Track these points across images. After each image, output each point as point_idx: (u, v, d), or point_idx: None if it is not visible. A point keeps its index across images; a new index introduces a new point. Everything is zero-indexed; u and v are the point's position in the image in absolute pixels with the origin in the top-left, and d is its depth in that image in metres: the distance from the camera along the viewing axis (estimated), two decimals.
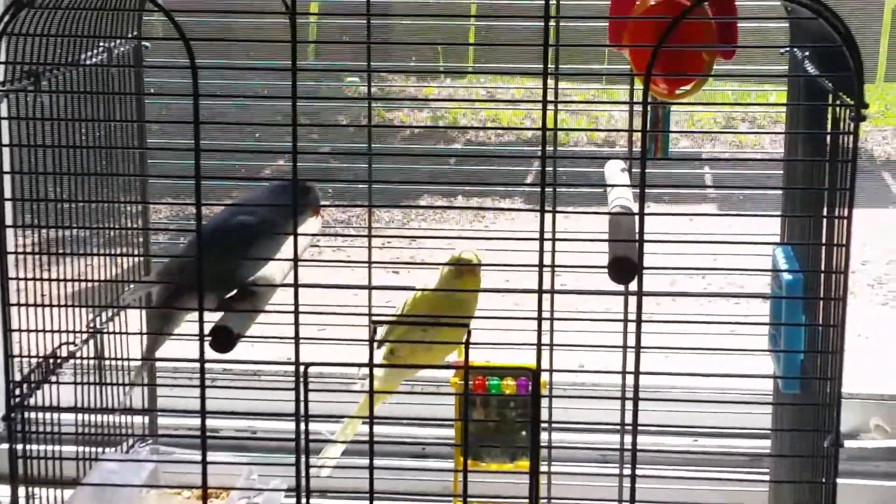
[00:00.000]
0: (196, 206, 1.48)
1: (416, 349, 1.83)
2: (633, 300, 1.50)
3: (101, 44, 1.82)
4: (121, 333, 1.92)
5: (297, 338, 1.49)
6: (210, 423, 1.53)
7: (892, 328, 2.42)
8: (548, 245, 1.46)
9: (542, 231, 1.45)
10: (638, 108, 1.47)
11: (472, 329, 1.51)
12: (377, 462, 1.52)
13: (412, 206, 4.21)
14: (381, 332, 1.84)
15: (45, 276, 1.67)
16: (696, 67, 1.63)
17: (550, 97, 1.50)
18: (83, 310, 1.80)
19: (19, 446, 1.60)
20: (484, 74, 4.81)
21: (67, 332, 1.73)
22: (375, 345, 1.85)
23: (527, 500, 1.52)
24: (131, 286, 1.79)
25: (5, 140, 1.57)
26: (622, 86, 2.07)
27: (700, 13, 1.57)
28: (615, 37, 1.69)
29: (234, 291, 1.67)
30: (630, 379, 1.50)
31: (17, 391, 1.61)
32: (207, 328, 1.49)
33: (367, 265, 1.94)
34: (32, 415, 1.63)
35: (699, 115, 5.01)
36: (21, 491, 1.62)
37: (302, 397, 1.49)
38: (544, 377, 1.67)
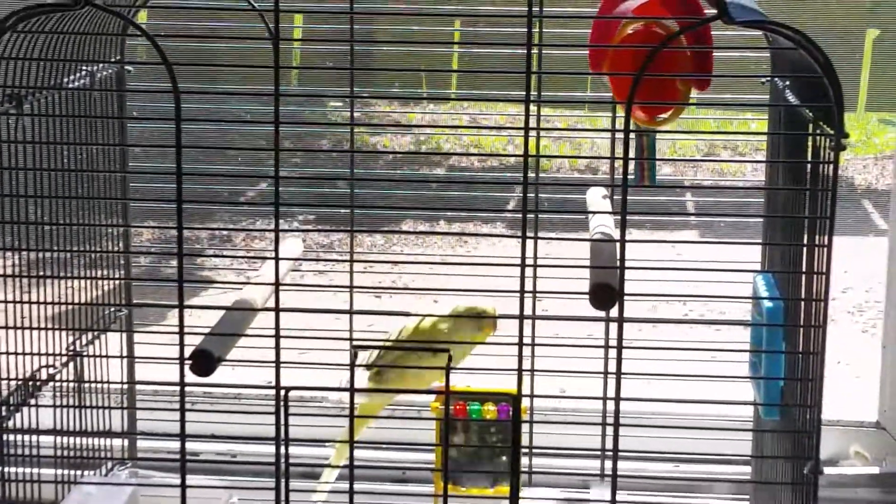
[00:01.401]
0: (178, 229, 1.48)
1: (405, 374, 1.82)
2: (613, 326, 1.50)
3: (84, 68, 1.82)
4: (101, 357, 1.92)
5: (277, 362, 1.49)
6: (190, 446, 1.52)
7: (872, 355, 2.43)
8: (529, 271, 1.46)
9: (523, 257, 1.45)
10: (620, 135, 1.48)
11: (452, 354, 1.51)
12: (357, 486, 1.52)
13: (394, 232, 4.22)
14: (364, 356, 1.83)
15: (26, 298, 1.67)
16: (671, 96, 1.64)
17: (533, 123, 1.50)
18: (63, 332, 1.80)
19: None
20: (467, 100, 4.82)
21: (47, 354, 1.73)
22: (362, 367, 1.85)
23: None
24: None
25: None
26: (605, 113, 2.08)
27: (678, 44, 1.58)
28: (595, 64, 1.70)
29: None
30: (611, 405, 1.50)
31: None
32: (188, 351, 1.49)
33: (348, 289, 1.94)
34: (11, 437, 1.62)
35: (681, 143, 5.03)
36: None
37: (282, 421, 1.49)
38: (525, 402, 1.67)
